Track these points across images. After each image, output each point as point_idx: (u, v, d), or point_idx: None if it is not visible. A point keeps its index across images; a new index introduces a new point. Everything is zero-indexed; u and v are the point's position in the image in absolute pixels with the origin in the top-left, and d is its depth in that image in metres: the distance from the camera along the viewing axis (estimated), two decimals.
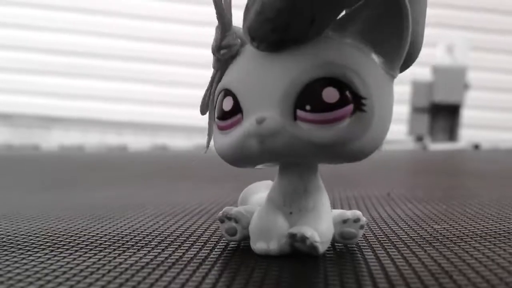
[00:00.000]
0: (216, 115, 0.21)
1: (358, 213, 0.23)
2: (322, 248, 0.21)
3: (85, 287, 0.18)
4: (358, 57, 0.19)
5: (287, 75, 0.19)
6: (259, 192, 0.27)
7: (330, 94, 0.19)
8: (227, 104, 0.21)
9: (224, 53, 0.21)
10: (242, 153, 0.20)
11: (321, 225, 0.21)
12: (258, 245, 0.22)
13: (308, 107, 0.19)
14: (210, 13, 0.22)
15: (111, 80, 2.71)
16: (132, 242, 0.25)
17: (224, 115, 0.21)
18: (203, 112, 0.24)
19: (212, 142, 0.23)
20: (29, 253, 0.23)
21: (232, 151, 0.21)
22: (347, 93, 0.19)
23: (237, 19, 0.21)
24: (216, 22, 0.22)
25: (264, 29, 0.19)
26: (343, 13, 0.20)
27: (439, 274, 0.19)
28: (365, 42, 0.20)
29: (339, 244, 0.24)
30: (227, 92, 0.21)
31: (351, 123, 0.19)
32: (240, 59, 0.21)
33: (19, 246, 0.25)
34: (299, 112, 0.19)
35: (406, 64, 0.20)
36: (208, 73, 0.23)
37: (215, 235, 0.27)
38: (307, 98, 0.19)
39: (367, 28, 0.19)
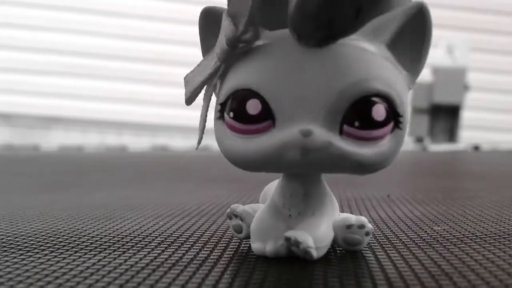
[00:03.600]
0: (231, 116, 0.19)
1: (363, 219, 0.22)
2: (317, 253, 0.21)
3: None
4: (396, 73, 0.19)
5: (334, 89, 0.18)
6: None
7: (380, 112, 0.18)
8: (254, 108, 0.19)
9: (241, 48, 0.19)
10: (277, 162, 0.19)
11: (319, 230, 0.21)
12: (255, 245, 0.22)
13: (357, 124, 0.18)
14: None
15: (111, 80, 2.71)
16: (132, 243, 0.25)
17: (248, 119, 0.19)
18: (189, 102, 0.22)
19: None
20: (29, 254, 0.23)
21: (262, 159, 0.19)
22: (390, 110, 0.19)
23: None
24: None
25: (307, 28, 0.18)
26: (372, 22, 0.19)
27: (439, 276, 0.19)
28: (394, 55, 0.20)
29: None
30: (251, 94, 0.19)
31: (390, 141, 0.19)
32: (264, 57, 0.19)
33: (19, 247, 0.25)
34: (347, 128, 0.19)
35: None
36: None
37: (215, 236, 0.27)
38: (357, 114, 0.18)
39: (395, 40, 0.20)
